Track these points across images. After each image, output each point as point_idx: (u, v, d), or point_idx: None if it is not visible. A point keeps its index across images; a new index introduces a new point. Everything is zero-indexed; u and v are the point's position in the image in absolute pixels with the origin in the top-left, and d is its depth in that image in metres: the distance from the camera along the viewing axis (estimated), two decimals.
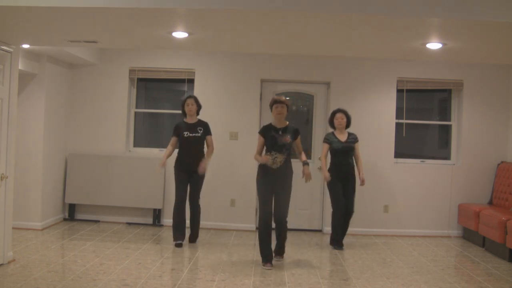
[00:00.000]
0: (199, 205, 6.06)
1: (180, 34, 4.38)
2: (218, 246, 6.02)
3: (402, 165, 7.11)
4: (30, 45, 5.44)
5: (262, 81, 7.13)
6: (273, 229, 5.23)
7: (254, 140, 6.88)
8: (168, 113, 7.40)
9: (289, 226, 6.72)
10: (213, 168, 6.88)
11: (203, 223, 6.57)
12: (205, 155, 6.01)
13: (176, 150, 6.06)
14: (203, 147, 6.05)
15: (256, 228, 7.02)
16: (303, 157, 5.37)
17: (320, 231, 7.09)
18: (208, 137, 6.05)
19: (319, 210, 7.16)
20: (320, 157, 6.29)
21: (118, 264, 5.01)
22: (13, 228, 5.06)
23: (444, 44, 4.39)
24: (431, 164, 7.17)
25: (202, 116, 6.45)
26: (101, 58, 7.14)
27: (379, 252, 6.00)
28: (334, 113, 6.29)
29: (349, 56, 6.57)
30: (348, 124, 6.26)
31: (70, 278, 4.47)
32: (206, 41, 4.75)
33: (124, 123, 7.16)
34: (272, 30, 4.18)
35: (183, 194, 5.92)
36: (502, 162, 6.93)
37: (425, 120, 7.57)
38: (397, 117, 7.10)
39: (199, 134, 5.98)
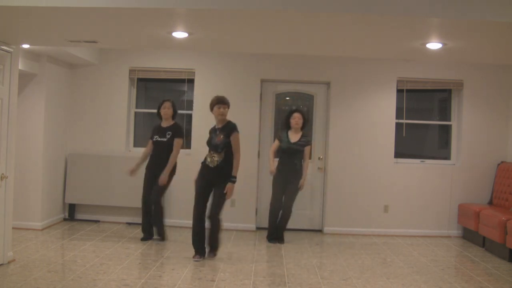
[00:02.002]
0: (160, 204, 6.03)
1: (180, 34, 4.38)
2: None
3: (402, 165, 7.11)
4: (30, 45, 5.43)
5: (262, 81, 7.13)
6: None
7: (254, 140, 6.95)
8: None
9: (289, 226, 6.78)
10: None
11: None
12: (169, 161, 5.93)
13: None
14: (169, 152, 5.96)
15: (257, 228, 7.05)
16: (234, 168, 5.24)
17: (320, 231, 7.09)
18: (175, 139, 5.96)
19: (319, 210, 7.16)
20: (269, 151, 6.45)
21: (118, 264, 5.01)
22: (13, 228, 5.06)
23: (444, 44, 4.38)
24: (431, 164, 7.17)
25: (202, 116, 6.45)
26: (101, 58, 7.14)
27: (379, 252, 6.00)
28: (291, 113, 6.37)
29: (349, 56, 6.57)
30: (304, 126, 6.31)
31: (70, 278, 4.47)
32: (206, 41, 4.75)
33: (124, 123, 7.16)
34: (272, 30, 4.18)
35: (147, 196, 6.02)
36: (502, 162, 6.93)
37: (425, 120, 7.58)
38: (397, 117, 7.10)
39: (165, 139, 5.98)
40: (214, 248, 5.41)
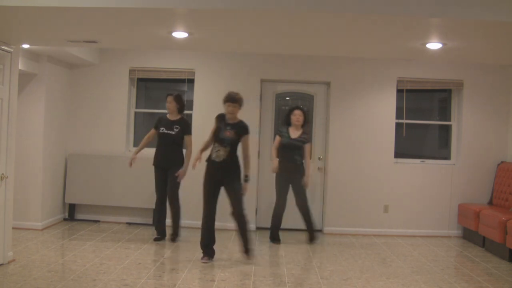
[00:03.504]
0: (177, 204, 6.04)
1: (180, 34, 4.38)
2: (218, 246, 6.01)
3: (402, 165, 7.11)
4: (30, 45, 5.43)
5: (262, 81, 7.13)
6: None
7: (254, 140, 6.92)
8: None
9: (289, 226, 6.79)
10: None
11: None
12: (184, 158, 5.98)
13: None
14: (178, 147, 6.02)
15: (257, 228, 7.04)
16: (247, 167, 5.25)
17: (320, 231, 7.09)
18: (186, 136, 6.01)
19: (319, 210, 7.16)
20: (272, 148, 6.39)
21: (118, 264, 5.01)
22: (13, 228, 5.06)
23: (444, 44, 4.39)
24: (431, 164, 7.17)
25: (202, 116, 6.45)
26: (101, 58, 7.13)
27: (379, 252, 6.00)
28: (292, 110, 6.37)
29: (349, 56, 6.58)
30: (304, 123, 6.32)
31: (70, 278, 4.47)
32: (206, 41, 4.75)
33: (124, 123, 7.16)
34: (272, 30, 4.18)
35: (161, 193, 6.02)
36: (502, 162, 6.93)
37: (425, 120, 7.58)
38: (397, 117, 7.10)
39: (173, 132, 5.98)
40: (249, 249, 5.29)
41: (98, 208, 7.06)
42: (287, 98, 7.41)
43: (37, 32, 4.56)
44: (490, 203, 6.90)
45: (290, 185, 6.25)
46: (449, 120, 7.27)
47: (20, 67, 5.32)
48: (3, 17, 3.89)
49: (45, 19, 3.99)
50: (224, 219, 6.94)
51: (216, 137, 5.21)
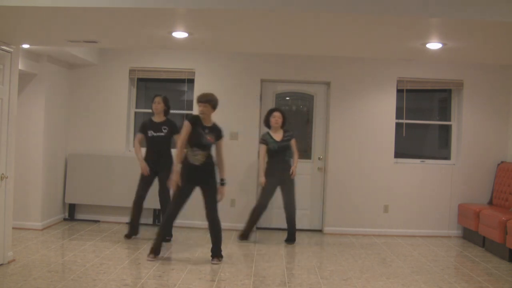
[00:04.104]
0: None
1: (180, 34, 4.38)
2: None
3: (402, 165, 7.11)
4: (30, 45, 5.43)
5: (262, 81, 7.13)
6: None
7: (254, 140, 6.94)
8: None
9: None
10: None
11: (204, 223, 6.54)
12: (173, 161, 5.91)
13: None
14: (168, 147, 6.05)
15: (257, 228, 7.03)
16: (224, 171, 5.29)
17: (320, 231, 7.09)
18: (176, 136, 5.99)
19: (319, 210, 7.16)
20: (260, 160, 6.32)
21: (118, 264, 5.01)
22: (13, 228, 5.06)
23: (444, 44, 4.38)
24: (431, 164, 7.17)
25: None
26: (101, 58, 7.14)
27: (379, 252, 6.00)
28: (271, 112, 6.37)
29: (349, 56, 6.58)
30: (283, 124, 6.32)
31: (70, 278, 4.47)
32: (206, 41, 4.75)
33: (124, 123, 7.16)
34: (272, 30, 4.18)
35: (142, 192, 6.01)
36: (502, 162, 6.93)
37: (425, 120, 7.58)
38: (397, 117, 7.10)
39: (162, 134, 6.00)
40: (219, 253, 5.27)
41: (98, 208, 7.06)
42: (287, 98, 7.42)
43: (37, 32, 4.56)
44: (490, 203, 6.90)
45: (280, 186, 6.23)
46: (449, 120, 7.27)
47: (20, 67, 5.32)
48: (3, 17, 3.89)
49: (45, 19, 3.99)
50: (223, 219, 6.95)
51: (196, 141, 5.15)
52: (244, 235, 6.30)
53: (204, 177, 5.19)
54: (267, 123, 6.36)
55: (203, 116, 5.24)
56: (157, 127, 6.03)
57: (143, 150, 6.11)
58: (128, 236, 6.14)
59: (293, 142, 6.32)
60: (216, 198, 5.23)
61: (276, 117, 6.27)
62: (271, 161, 6.22)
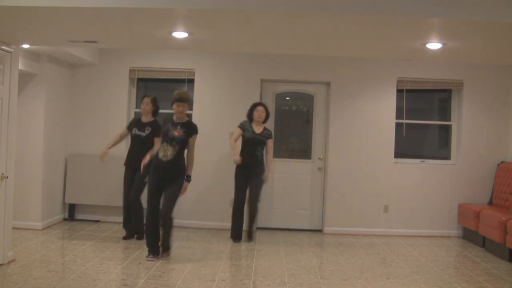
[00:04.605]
0: (139, 202, 6.00)
1: (180, 34, 4.38)
2: (218, 246, 6.02)
3: (402, 165, 7.11)
4: (30, 45, 5.43)
5: (262, 81, 7.13)
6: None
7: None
8: (167, 113, 7.37)
9: (289, 226, 6.80)
10: (213, 167, 6.90)
11: (203, 223, 6.57)
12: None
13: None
14: (148, 148, 5.93)
15: (257, 228, 7.04)
16: (190, 167, 5.29)
17: (320, 231, 7.09)
18: (155, 139, 5.96)
19: (319, 210, 7.16)
20: (231, 140, 6.28)
21: (118, 264, 5.01)
22: (13, 228, 5.06)
23: (444, 44, 4.38)
24: (431, 164, 7.17)
25: (202, 116, 6.44)
26: (101, 58, 7.14)
27: (379, 252, 6.00)
28: (255, 106, 6.36)
29: (349, 56, 6.57)
30: (265, 119, 6.32)
31: (70, 278, 4.47)
32: (206, 41, 4.75)
33: (124, 123, 7.13)
34: (272, 30, 4.18)
35: (126, 192, 6.05)
36: (502, 162, 6.93)
37: (425, 120, 7.58)
38: (397, 117, 7.10)
39: (144, 134, 6.04)
40: (167, 248, 5.28)
41: (98, 208, 7.06)
42: (287, 98, 7.42)
43: (37, 32, 4.55)
44: (490, 203, 6.90)
45: (248, 180, 6.19)
46: (449, 120, 7.27)
47: (20, 67, 5.32)
48: (3, 17, 3.89)
49: (45, 19, 3.99)
50: (222, 219, 6.96)
51: (165, 136, 5.20)
52: (232, 236, 6.25)
53: (169, 172, 5.18)
54: (250, 116, 6.35)
55: (180, 115, 5.25)
56: (141, 126, 6.09)
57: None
58: (126, 237, 6.13)
59: (269, 143, 6.29)
60: (174, 196, 5.17)
61: (260, 111, 6.27)
62: (243, 150, 6.20)
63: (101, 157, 6.08)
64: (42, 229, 6.39)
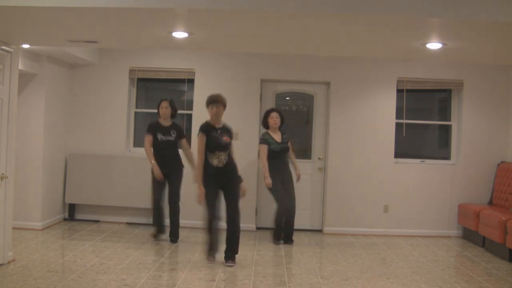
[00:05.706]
0: (179, 206, 6.06)
1: (180, 34, 4.38)
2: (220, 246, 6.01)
3: (402, 165, 7.11)
4: (30, 45, 5.43)
5: (262, 81, 7.13)
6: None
7: (254, 140, 6.93)
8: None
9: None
10: None
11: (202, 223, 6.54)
12: (188, 161, 6.05)
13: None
14: (177, 150, 6.11)
15: (257, 228, 7.05)
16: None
17: (320, 231, 7.09)
18: (182, 140, 6.08)
19: (319, 210, 7.16)
20: (261, 160, 6.18)
21: (118, 264, 5.01)
22: (13, 228, 5.06)
23: (444, 44, 4.38)
24: (431, 164, 7.17)
25: (202, 116, 6.40)
26: (101, 58, 7.14)
27: (379, 252, 6.00)
28: (268, 112, 6.35)
29: (349, 56, 6.57)
30: (281, 124, 6.32)
31: (70, 278, 4.47)
32: (206, 41, 4.75)
33: (124, 123, 7.16)
34: (272, 30, 4.18)
35: (158, 196, 6.04)
36: (502, 162, 6.93)
37: (425, 120, 7.58)
38: (397, 117, 7.10)
39: (172, 138, 6.03)
40: (235, 253, 5.25)
41: (98, 208, 7.06)
42: (287, 98, 7.42)
43: (37, 32, 4.55)
44: (490, 203, 6.90)
45: (284, 186, 6.21)
46: (449, 120, 7.27)
47: (20, 67, 5.32)
48: (3, 17, 3.89)
49: (45, 19, 3.99)
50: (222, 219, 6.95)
51: (217, 145, 5.13)
52: (277, 239, 6.27)
53: (228, 176, 5.22)
54: (265, 124, 6.35)
55: (216, 117, 5.23)
56: (166, 131, 6.03)
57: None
58: (156, 235, 6.13)
59: (290, 144, 6.33)
60: (237, 200, 5.28)
61: (274, 118, 6.25)
62: (274, 163, 6.16)
63: (162, 178, 5.91)
64: (42, 229, 6.39)
